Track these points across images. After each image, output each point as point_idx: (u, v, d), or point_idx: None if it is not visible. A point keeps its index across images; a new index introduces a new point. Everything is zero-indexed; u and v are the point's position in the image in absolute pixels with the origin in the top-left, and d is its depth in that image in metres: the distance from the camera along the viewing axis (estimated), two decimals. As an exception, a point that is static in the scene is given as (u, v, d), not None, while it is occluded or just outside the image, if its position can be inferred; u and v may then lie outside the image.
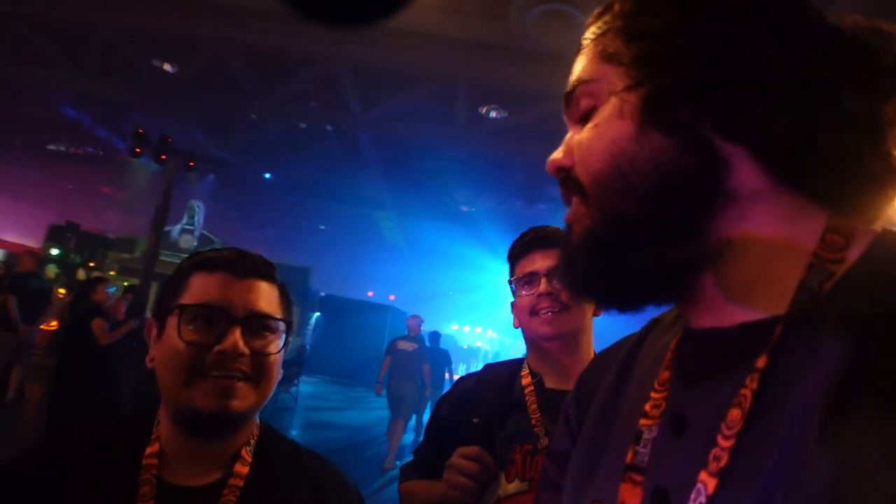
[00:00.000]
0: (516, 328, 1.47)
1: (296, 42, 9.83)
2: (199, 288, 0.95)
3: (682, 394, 0.55)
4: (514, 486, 1.27)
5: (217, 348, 0.89)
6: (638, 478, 0.53)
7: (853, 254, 0.49)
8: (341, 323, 18.51)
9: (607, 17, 0.58)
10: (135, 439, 0.96)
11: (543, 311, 1.38)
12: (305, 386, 12.70)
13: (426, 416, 9.90)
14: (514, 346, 25.22)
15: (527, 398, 1.39)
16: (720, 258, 0.52)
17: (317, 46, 9.99)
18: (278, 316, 0.98)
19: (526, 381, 1.44)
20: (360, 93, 11.47)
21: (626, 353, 0.68)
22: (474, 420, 1.41)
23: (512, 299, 1.47)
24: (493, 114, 11.53)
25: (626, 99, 0.54)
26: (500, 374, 1.52)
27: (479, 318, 26.57)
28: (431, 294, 24.84)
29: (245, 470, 0.96)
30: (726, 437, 0.46)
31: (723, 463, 0.45)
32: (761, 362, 0.47)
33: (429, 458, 1.49)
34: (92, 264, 16.03)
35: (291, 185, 19.07)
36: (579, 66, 0.60)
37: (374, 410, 13.03)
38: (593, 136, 0.56)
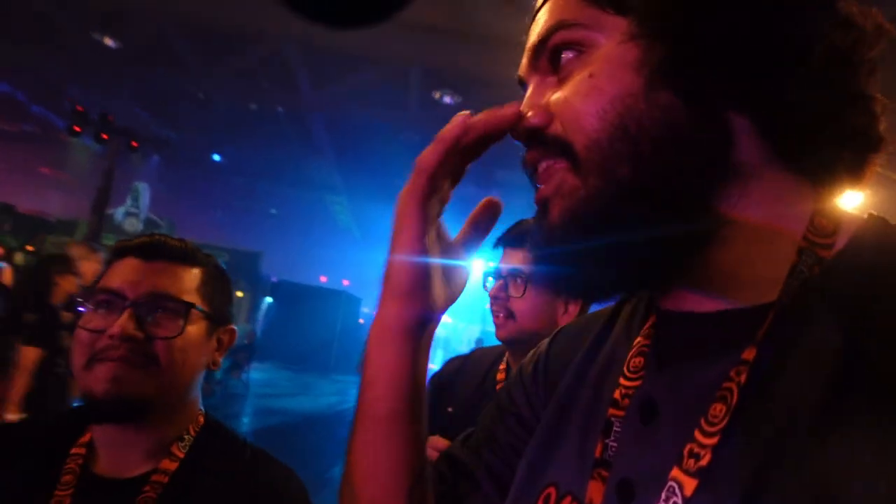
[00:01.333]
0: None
1: (240, 18, 9.54)
2: (111, 274, 0.95)
3: (654, 379, 0.51)
4: None
5: (108, 331, 0.89)
6: (605, 473, 0.49)
7: (840, 240, 0.47)
8: (294, 309, 18.31)
9: None
10: (70, 431, 0.95)
11: (494, 313, 1.42)
12: (256, 373, 12.51)
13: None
14: (466, 331, 25.44)
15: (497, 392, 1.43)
16: (719, 238, 0.47)
17: (263, 24, 9.71)
18: (183, 298, 0.96)
19: (501, 375, 1.47)
20: (310, 74, 11.23)
21: (597, 331, 0.64)
22: (449, 409, 1.46)
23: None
24: (446, 98, 11.48)
25: (634, 49, 0.47)
26: (481, 363, 1.57)
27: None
28: (385, 279, 24.69)
29: (173, 466, 0.94)
30: (707, 434, 0.42)
31: (703, 461, 0.41)
32: (749, 354, 0.43)
33: None
34: (30, 248, 15.31)
35: (241, 168, 18.60)
36: (554, 7, 0.51)
37: (325, 396, 12.97)
38: (589, 88, 0.48)
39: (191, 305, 0.96)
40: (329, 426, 9.85)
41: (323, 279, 24.68)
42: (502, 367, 1.51)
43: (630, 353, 0.55)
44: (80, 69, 12.06)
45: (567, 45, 0.50)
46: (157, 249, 0.97)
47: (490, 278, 1.48)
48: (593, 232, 0.47)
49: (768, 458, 0.39)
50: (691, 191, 0.46)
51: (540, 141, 0.51)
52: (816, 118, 0.46)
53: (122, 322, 0.89)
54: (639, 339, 0.55)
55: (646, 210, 0.46)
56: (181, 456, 0.95)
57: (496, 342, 1.55)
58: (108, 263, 0.99)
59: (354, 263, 24.85)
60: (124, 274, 0.94)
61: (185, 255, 1.00)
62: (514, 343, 1.42)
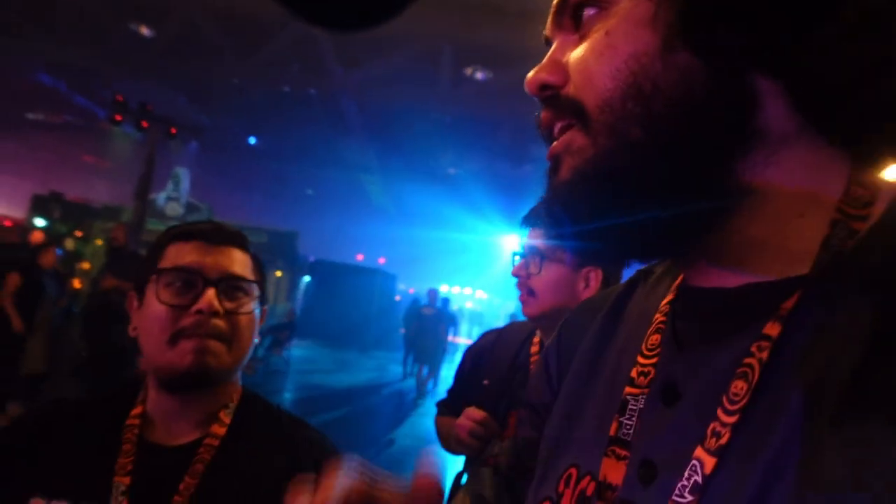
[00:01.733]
0: None
1: (272, 4, 9.59)
2: (175, 255, 1.01)
3: (674, 360, 0.49)
4: (499, 447, 1.40)
5: (194, 308, 0.96)
6: (622, 452, 0.49)
7: (877, 210, 0.44)
8: (331, 287, 18.56)
9: None
10: (121, 405, 1.03)
11: (519, 291, 1.48)
12: (297, 350, 12.82)
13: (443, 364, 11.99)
14: (502, 307, 25.45)
15: (531, 365, 1.49)
16: (742, 208, 0.45)
17: (306, 23, 9.76)
18: (248, 277, 1.05)
19: (535, 348, 1.53)
20: (341, 56, 11.27)
21: (611, 305, 0.63)
22: (484, 382, 1.54)
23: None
24: (478, 75, 11.40)
25: (652, 6, 0.45)
26: (514, 337, 1.63)
27: (467, 279, 26.74)
28: (421, 256, 24.86)
29: (222, 431, 1.02)
30: (728, 412, 0.41)
31: (723, 440, 0.41)
32: (774, 330, 0.42)
33: (454, 399, 1.73)
34: (78, 234, 15.89)
35: (277, 151, 18.83)
36: None
37: (363, 372, 13.21)
38: (604, 46, 0.46)
39: (255, 284, 1.06)
40: (368, 400, 10.07)
41: (359, 257, 24.93)
42: (535, 339, 1.56)
43: (648, 330, 0.53)
44: (119, 59, 12.34)
45: (589, 2, 0.49)
46: (219, 234, 1.05)
47: (516, 258, 1.53)
48: (601, 192, 0.46)
49: (789, 439, 0.38)
50: (708, 156, 0.44)
51: (554, 101, 0.50)
52: (852, 82, 0.42)
53: (210, 298, 0.97)
54: (657, 315, 0.54)
55: (658, 173, 0.44)
56: (227, 422, 1.03)
57: None
58: (166, 246, 1.04)
59: (390, 241, 25.03)
60: (196, 255, 1.01)
61: (242, 240, 1.08)
62: (539, 319, 1.47)
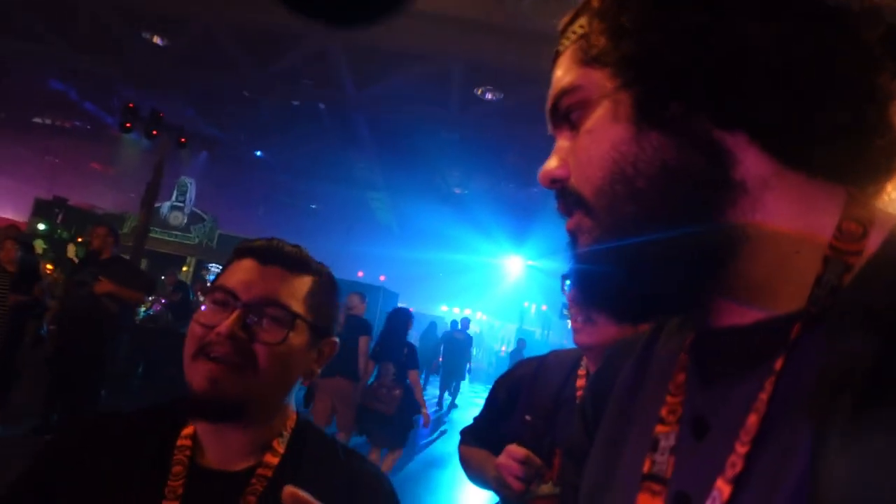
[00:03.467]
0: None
1: (287, 18, 9.69)
2: (230, 272, 0.98)
3: (700, 396, 0.53)
4: (547, 489, 1.31)
5: (216, 329, 0.90)
6: (657, 487, 0.51)
7: (872, 242, 0.47)
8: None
9: (584, 19, 0.55)
10: (171, 423, 0.98)
11: (572, 317, 1.39)
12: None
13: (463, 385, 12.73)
14: (502, 329, 25.35)
15: (577, 399, 1.41)
16: (736, 254, 0.49)
17: (308, 22, 9.86)
18: (290, 306, 0.96)
19: (580, 382, 1.45)
20: (353, 71, 11.34)
21: (639, 351, 0.66)
22: (527, 418, 1.45)
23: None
24: (488, 95, 11.44)
25: (619, 100, 0.51)
26: (558, 369, 1.53)
27: (469, 300, 26.69)
28: (422, 275, 24.86)
29: (275, 461, 0.96)
30: (743, 443, 0.45)
31: (737, 469, 0.44)
32: (778, 364, 0.45)
33: (484, 429, 1.65)
34: (80, 239, 15.87)
35: (283, 164, 18.92)
36: (560, 74, 0.57)
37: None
38: (589, 143, 0.53)
39: (297, 315, 0.96)
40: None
41: (360, 274, 24.93)
42: (581, 372, 1.47)
43: (674, 371, 0.57)
44: (131, 67, 12.43)
45: (573, 107, 0.55)
46: (273, 254, 0.99)
47: (568, 281, 1.44)
48: (610, 264, 0.52)
49: (795, 467, 0.41)
50: (697, 214, 0.49)
51: (563, 193, 0.56)
52: (806, 119, 0.47)
53: (230, 322, 0.91)
54: (682, 355, 0.57)
55: (656, 237, 0.49)
56: (281, 451, 0.98)
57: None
58: (232, 261, 1.01)
59: (392, 259, 25.05)
60: (240, 275, 0.96)
61: (299, 263, 1.01)
62: (593, 349, 1.38)
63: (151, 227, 12.86)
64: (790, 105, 0.47)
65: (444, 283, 25.98)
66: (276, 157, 18.43)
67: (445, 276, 25.80)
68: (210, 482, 0.93)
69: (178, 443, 0.95)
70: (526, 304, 23.67)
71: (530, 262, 20.03)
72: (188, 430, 0.97)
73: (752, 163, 0.48)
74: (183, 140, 11.39)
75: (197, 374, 0.90)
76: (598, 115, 0.52)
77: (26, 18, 11.13)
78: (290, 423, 1.02)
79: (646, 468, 0.53)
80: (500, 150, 13.76)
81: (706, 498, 0.45)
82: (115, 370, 8.64)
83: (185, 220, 17.01)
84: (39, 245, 12.76)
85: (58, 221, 16.17)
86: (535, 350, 10.50)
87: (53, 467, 0.94)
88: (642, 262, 0.50)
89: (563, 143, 0.57)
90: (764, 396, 0.45)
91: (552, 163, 0.57)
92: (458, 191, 17.61)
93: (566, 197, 0.55)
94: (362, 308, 6.36)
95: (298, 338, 0.96)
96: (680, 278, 0.51)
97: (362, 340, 5.82)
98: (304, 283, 1.00)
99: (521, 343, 14.85)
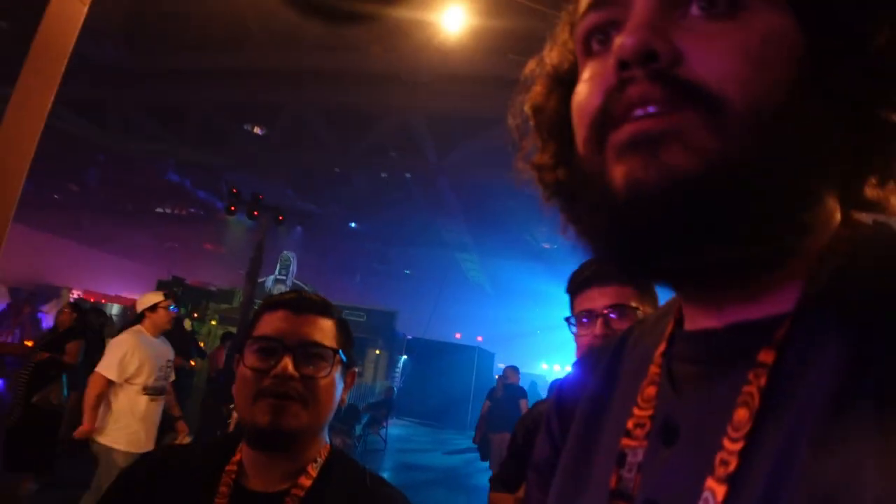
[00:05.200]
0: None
1: (369, 97, 10.32)
2: (265, 324, 1.13)
3: (672, 403, 0.49)
4: None
5: (273, 372, 1.05)
6: (624, 503, 0.49)
7: (860, 247, 0.46)
8: (429, 365, 18.59)
9: None
10: (223, 453, 1.14)
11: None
12: (395, 429, 12.79)
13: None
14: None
15: None
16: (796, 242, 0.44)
17: (389, 100, 10.44)
18: (329, 345, 1.12)
19: None
20: (435, 139, 11.79)
21: (607, 360, 0.63)
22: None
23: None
24: (567, 150, 11.49)
25: (796, 36, 0.42)
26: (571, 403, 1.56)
27: (567, 356, 25.89)
28: (519, 333, 24.55)
29: (308, 483, 1.09)
30: (733, 440, 0.41)
31: (731, 467, 0.41)
32: (768, 357, 0.42)
33: (510, 474, 1.68)
34: (196, 315, 17.04)
35: (376, 233, 19.66)
36: None
37: (461, 454, 12.93)
38: (760, 52, 0.41)
39: (335, 351, 1.13)
40: (465, 480, 9.78)
41: (457, 336, 24.97)
42: None
43: (643, 383, 0.53)
44: (235, 156, 13.56)
45: None
46: (303, 304, 1.15)
47: (583, 322, 1.43)
48: (705, 200, 0.40)
49: (782, 463, 0.39)
50: (815, 193, 0.43)
51: (667, 77, 0.41)
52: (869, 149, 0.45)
53: (286, 364, 1.06)
54: (652, 367, 0.53)
55: (776, 195, 0.41)
56: (314, 475, 1.11)
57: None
58: (261, 315, 1.16)
59: (487, 319, 24.95)
60: (280, 324, 1.12)
61: (325, 309, 1.17)
62: None
63: (256, 300, 13.63)
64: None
65: (542, 339, 25.49)
66: (368, 226, 19.20)
67: (542, 332, 25.33)
68: (250, 501, 1.06)
69: (227, 468, 1.10)
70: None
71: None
72: (235, 458, 1.11)
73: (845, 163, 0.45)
74: (280, 217, 12.17)
75: (261, 413, 1.04)
76: (773, 31, 0.42)
77: (145, 121, 12.52)
78: (325, 452, 1.15)
79: (612, 484, 0.50)
80: (585, 202, 13.64)
81: (685, 501, 0.42)
82: (225, 433, 9.05)
83: (288, 292, 17.83)
84: (189, 324, 13.84)
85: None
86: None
87: (124, 494, 1.11)
88: (732, 211, 0.40)
89: (659, 13, 0.44)
90: (753, 390, 0.42)
91: (649, 29, 0.43)
92: (546, 246, 17.52)
93: (675, 84, 0.41)
94: (517, 378, 8.78)
95: (335, 371, 1.12)
96: (747, 244, 0.42)
97: (522, 403, 8.02)
98: (330, 325, 1.15)
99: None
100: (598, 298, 1.40)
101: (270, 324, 1.12)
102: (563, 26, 0.58)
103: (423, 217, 16.80)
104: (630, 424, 0.51)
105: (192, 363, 8.23)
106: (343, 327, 1.19)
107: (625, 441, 0.51)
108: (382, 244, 21.04)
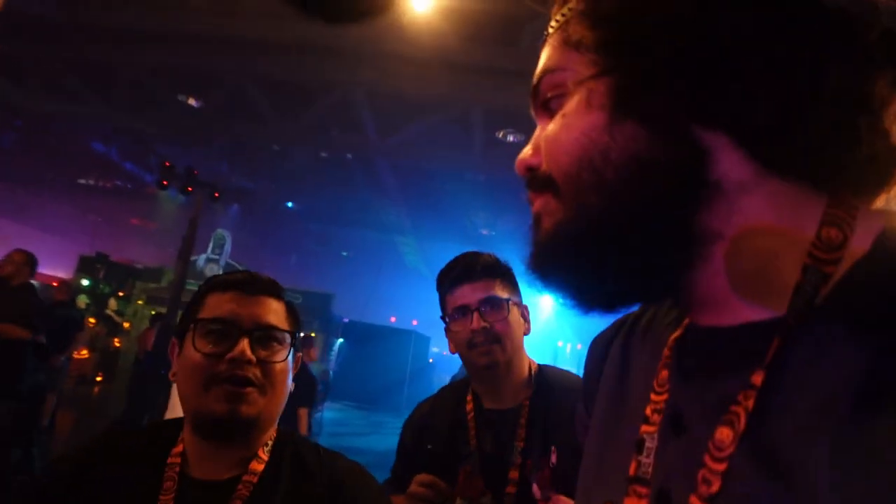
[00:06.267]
0: (453, 353, 1.57)
1: (313, 72, 10.05)
2: (213, 305, 1.06)
3: (679, 392, 0.52)
4: (458, 503, 1.40)
5: (228, 356, 0.99)
6: (642, 490, 0.50)
7: (859, 246, 0.45)
8: (365, 348, 18.52)
9: (571, 3, 0.53)
10: (162, 442, 1.06)
11: (480, 345, 1.47)
12: (329, 412, 12.68)
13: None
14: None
15: (468, 422, 1.52)
16: (713, 255, 0.48)
17: (333, 76, 10.20)
18: (284, 328, 1.07)
19: (469, 405, 1.56)
20: (377, 120, 11.63)
21: (622, 340, 0.65)
22: (429, 447, 1.54)
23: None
24: (510, 137, 11.60)
25: (594, 88, 0.50)
26: (449, 399, 1.64)
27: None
28: (454, 318, 24.70)
29: (260, 467, 1.04)
30: (716, 460, 0.43)
31: (714, 488, 0.42)
32: (758, 379, 0.43)
33: (401, 476, 1.66)
34: (121, 294, 16.32)
35: (313, 213, 19.30)
36: (544, 57, 0.56)
37: (397, 435, 12.95)
38: (561, 128, 0.52)
39: (291, 333, 1.08)
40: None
41: (392, 319, 24.94)
42: (468, 398, 1.58)
43: (658, 366, 0.56)
44: (167, 127, 12.97)
45: (553, 89, 0.54)
46: (254, 285, 1.09)
47: (458, 318, 1.52)
48: (571, 250, 0.51)
49: (780, 488, 0.39)
50: (666, 212, 0.47)
51: (534, 179, 0.55)
52: (793, 124, 0.45)
53: (243, 347, 1.00)
54: (665, 350, 0.56)
55: (616, 231, 0.48)
56: (266, 458, 1.05)
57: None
58: (205, 295, 1.09)
59: (422, 303, 24.96)
60: (231, 305, 1.05)
61: (275, 290, 1.12)
62: (498, 365, 1.48)
63: (188, 280, 13.17)
64: (775, 108, 0.45)
65: (476, 324, 25.70)
66: (306, 206, 18.83)
67: (477, 317, 25.49)
68: (198, 491, 1.00)
69: (169, 460, 1.02)
70: (560, 343, 23.31)
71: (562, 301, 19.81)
72: (178, 449, 1.04)
73: (730, 164, 0.47)
74: (217, 195, 11.76)
75: (216, 399, 0.97)
76: (574, 101, 0.51)
77: (69, 82, 11.76)
78: (272, 433, 1.09)
79: (631, 470, 0.52)
80: (524, 190, 13.82)
81: (688, 493, 0.44)
82: (153, 417, 8.79)
83: (221, 272, 17.31)
84: (83, 300, 13.17)
85: (100, 277, 16.67)
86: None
87: (55, 490, 1.01)
88: (605, 252, 0.49)
89: (540, 131, 0.56)
90: (740, 411, 0.43)
91: (527, 150, 0.56)
92: (485, 232, 17.68)
93: (536, 180, 0.55)
94: None
95: (286, 354, 1.07)
96: (640, 274, 0.49)
97: None
98: (282, 307, 1.11)
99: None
100: (471, 294, 1.51)
101: (220, 306, 1.05)
102: None
103: (362, 199, 16.60)
104: (648, 410, 0.54)
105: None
106: (292, 310, 1.14)
107: (644, 427, 0.53)
108: (320, 225, 20.68)
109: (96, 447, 1.07)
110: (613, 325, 0.71)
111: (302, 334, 1.15)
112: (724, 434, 0.43)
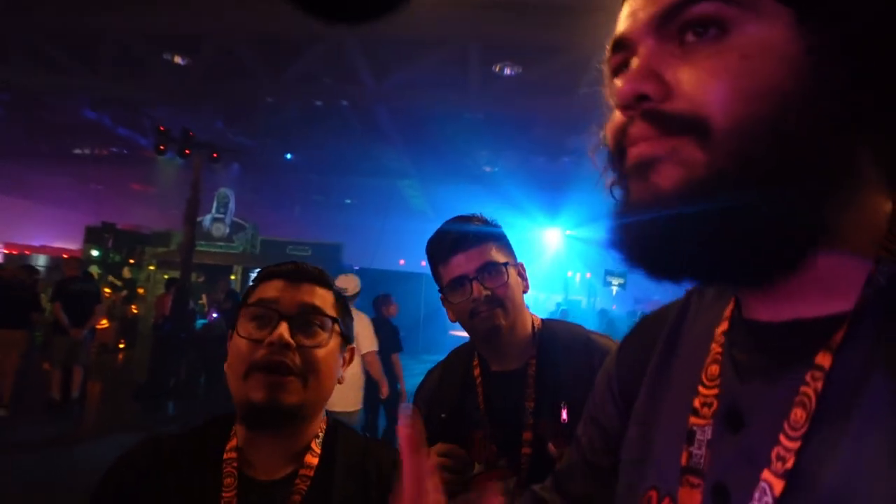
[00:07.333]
0: (453, 322, 1.52)
1: (301, 22, 9.75)
2: (259, 292, 1.05)
3: (736, 389, 0.52)
4: (477, 468, 1.42)
5: (267, 340, 0.97)
6: (695, 480, 0.52)
7: None
8: (377, 294, 18.71)
9: None
10: (217, 436, 1.05)
11: (483, 313, 1.44)
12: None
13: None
14: (547, 301, 25.27)
15: (477, 387, 1.51)
16: (824, 244, 0.46)
17: (322, 24, 9.90)
18: (327, 312, 1.05)
19: (476, 370, 1.55)
20: (371, 65, 11.36)
21: (669, 329, 0.65)
22: (442, 416, 1.54)
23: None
24: (507, 70, 11.32)
25: (795, 41, 0.44)
26: (456, 365, 1.63)
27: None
28: (462, 258, 24.79)
29: (315, 461, 1.03)
30: (791, 438, 0.44)
31: (789, 464, 0.43)
32: (825, 360, 0.44)
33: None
34: (132, 261, 16.46)
35: (314, 164, 19.13)
36: None
37: (415, 377, 13.24)
38: (742, 71, 0.44)
39: (334, 319, 1.06)
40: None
41: (401, 262, 25.08)
42: (475, 363, 1.56)
43: (706, 360, 0.56)
44: (157, 89, 12.73)
45: (712, 20, 0.46)
46: (300, 273, 1.07)
47: (457, 289, 1.47)
48: (721, 209, 0.44)
49: (851, 466, 0.40)
50: (817, 195, 0.44)
51: (656, 114, 0.47)
52: None
53: (281, 331, 0.97)
54: (713, 345, 0.56)
55: (772, 202, 0.43)
56: (319, 451, 1.05)
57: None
58: (257, 285, 1.08)
59: (431, 245, 25.03)
60: (274, 292, 1.04)
61: (323, 279, 1.10)
62: (503, 329, 1.45)
63: (197, 242, 13.23)
64: None
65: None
66: (305, 157, 18.65)
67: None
68: (258, 491, 0.99)
69: (225, 456, 1.01)
70: (570, 273, 23.48)
71: (569, 232, 19.86)
72: (232, 443, 1.02)
73: (868, 163, 0.46)
74: (215, 155, 11.66)
75: (255, 387, 0.95)
76: (763, 46, 0.44)
77: (53, 51, 11.48)
78: (323, 424, 1.09)
79: (683, 461, 0.53)
80: (525, 124, 13.62)
81: (747, 489, 0.46)
82: (178, 381, 9.02)
83: (228, 231, 17.37)
84: (94, 271, 13.29)
85: (109, 246, 16.78)
86: (580, 319, 10.27)
87: (118, 493, 1.00)
88: (750, 216, 0.44)
89: (656, 55, 0.48)
90: (810, 392, 0.44)
91: (640, 75, 0.48)
92: (488, 169, 17.52)
93: (663, 119, 0.47)
94: None
95: (334, 343, 1.05)
96: (769, 249, 0.45)
97: None
98: (330, 296, 1.08)
99: (563, 315, 13.74)
100: (466, 263, 1.45)
101: (265, 292, 1.04)
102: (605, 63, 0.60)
103: (362, 145, 16.41)
104: (697, 403, 0.54)
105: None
106: (341, 300, 1.12)
107: (693, 419, 0.54)
108: (321, 175, 20.54)
109: (142, 457, 1.04)
110: (656, 314, 0.70)
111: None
112: (797, 414, 0.44)
